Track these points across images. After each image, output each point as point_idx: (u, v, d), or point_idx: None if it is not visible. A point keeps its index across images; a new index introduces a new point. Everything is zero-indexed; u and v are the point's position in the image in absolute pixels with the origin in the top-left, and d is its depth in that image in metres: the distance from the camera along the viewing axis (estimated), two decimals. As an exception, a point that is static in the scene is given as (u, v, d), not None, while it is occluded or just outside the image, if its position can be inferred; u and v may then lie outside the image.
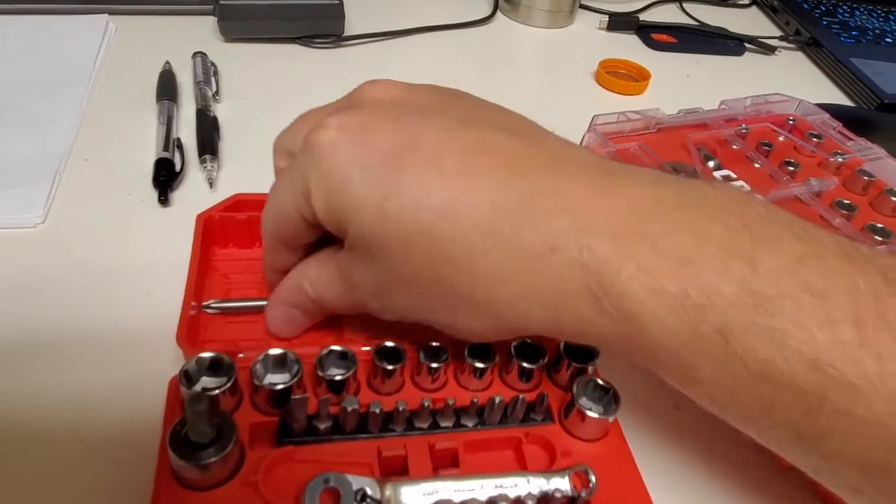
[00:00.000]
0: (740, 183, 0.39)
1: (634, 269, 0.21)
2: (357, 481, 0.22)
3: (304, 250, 0.28)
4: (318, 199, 0.24)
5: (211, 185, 0.39)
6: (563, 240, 0.21)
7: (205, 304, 0.31)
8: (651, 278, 0.21)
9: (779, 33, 0.73)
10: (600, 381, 0.27)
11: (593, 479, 0.24)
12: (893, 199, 0.40)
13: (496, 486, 0.23)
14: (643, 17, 0.70)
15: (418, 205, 0.22)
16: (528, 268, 0.22)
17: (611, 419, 0.26)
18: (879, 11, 0.79)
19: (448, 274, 0.22)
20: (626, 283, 0.21)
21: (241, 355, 0.27)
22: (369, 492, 0.22)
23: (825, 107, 0.49)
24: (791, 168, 0.42)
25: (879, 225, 0.38)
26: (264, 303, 0.30)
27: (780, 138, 0.45)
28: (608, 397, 0.27)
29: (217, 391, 0.24)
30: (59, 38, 0.50)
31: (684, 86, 0.61)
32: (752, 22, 0.76)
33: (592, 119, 0.41)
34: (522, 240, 0.22)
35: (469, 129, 0.23)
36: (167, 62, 0.48)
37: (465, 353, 0.27)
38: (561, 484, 0.24)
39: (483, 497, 0.23)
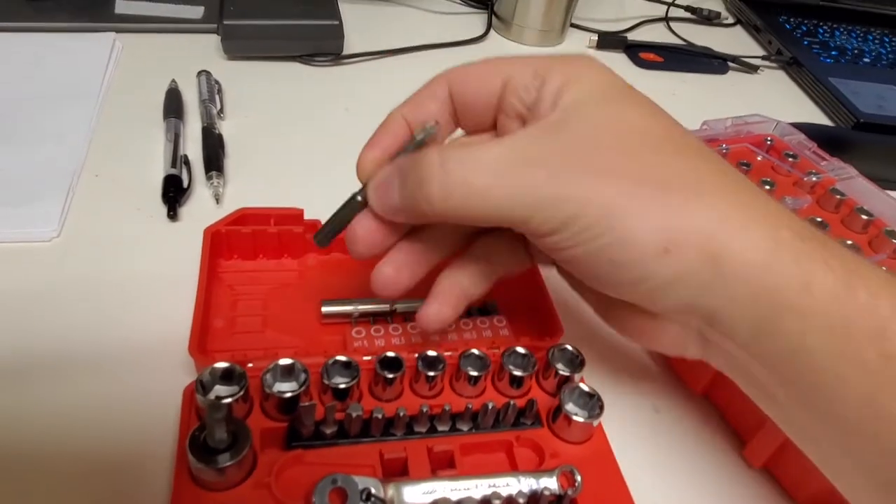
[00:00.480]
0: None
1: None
2: (362, 482, 0.24)
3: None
4: (560, 76, 0.25)
5: (217, 200, 0.41)
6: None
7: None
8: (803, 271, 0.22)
9: (761, 53, 0.75)
10: (586, 388, 0.29)
11: (579, 478, 0.26)
12: (863, 216, 0.42)
13: (490, 486, 0.25)
14: (631, 36, 0.73)
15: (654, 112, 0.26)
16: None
17: (595, 423, 0.28)
18: (858, 32, 0.82)
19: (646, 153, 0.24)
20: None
21: (250, 365, 0.29)
22: (374, 491, 0.24)
23: (804, 126, 0.52)
24: (768, 187, 0.44)
25: (849, 242, 0.40)
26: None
27: (759, 158, 0.47)
28: (593, 403, 0.29)
29: (231, 399, 0.26)
30: (68, 55, 0.52)
31: (670, 104, 0.63)
32: (735, 41, 0.79)
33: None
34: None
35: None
36: (173, 80, 0.50)
37: (460, 361, 0.29)
38: (549, 483, 0.26)
39: (478, 496, 0.25)
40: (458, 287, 0.29)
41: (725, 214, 0.23)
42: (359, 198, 0.28)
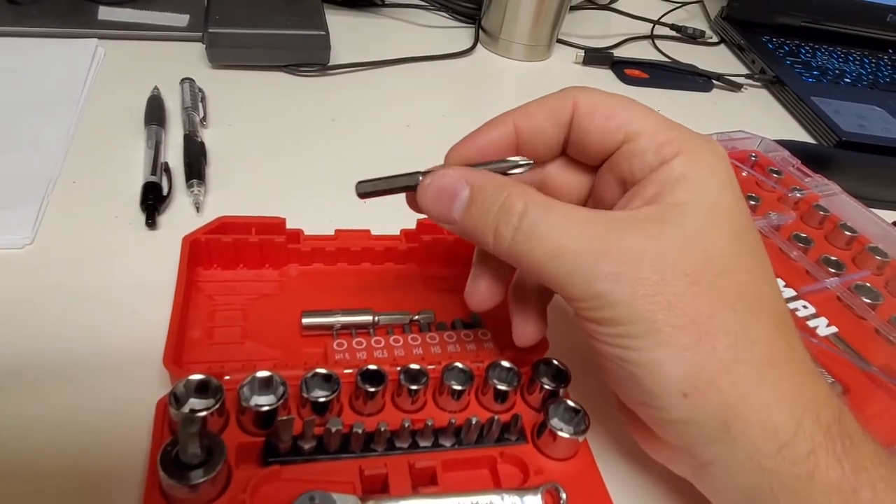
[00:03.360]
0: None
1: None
2: (341, 499, 0.23)
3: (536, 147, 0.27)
4: (688, 164, 0.24)
5: (198, 209, 0.40)
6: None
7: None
8: None
9: (745, 71, 0.76)
10: (571, 403, 0.29)
11: (564, 496, 0.25)
12: (846, 233, 0.43)
13: (472, 504, 0.25)
14: (617, 52, 0.73)
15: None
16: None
17: (581, 439, 0.28)
18: (839, 53, 0.84)
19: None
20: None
21: (227, 377, 0.28)
22: None
23: (786, 143, 0.52)
24: (753, 202, 0.44)
25: (833, 258, 0.40)
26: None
27: (744, 174, 0.48)
28: (578, 418, 0.29)
29: (205, 412, 0.25)
30: (48, 61, 0.51)
31: (655, 120, 0.64)
32: (719, 60, 0.80)
33: (567, 152, 0.43)
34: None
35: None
36: (155, 87, 0.49)
37: (443, 375, 0.29)
38: (533, 501, 0.25)
39: (460, 515, 0.24)
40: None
41: (756, 386, 0.22)
42: (420, 178, 0.26)
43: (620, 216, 0.24)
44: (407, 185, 0.27)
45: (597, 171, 0.28)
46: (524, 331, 0.29)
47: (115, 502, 0.26)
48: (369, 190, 0.28)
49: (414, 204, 0.28)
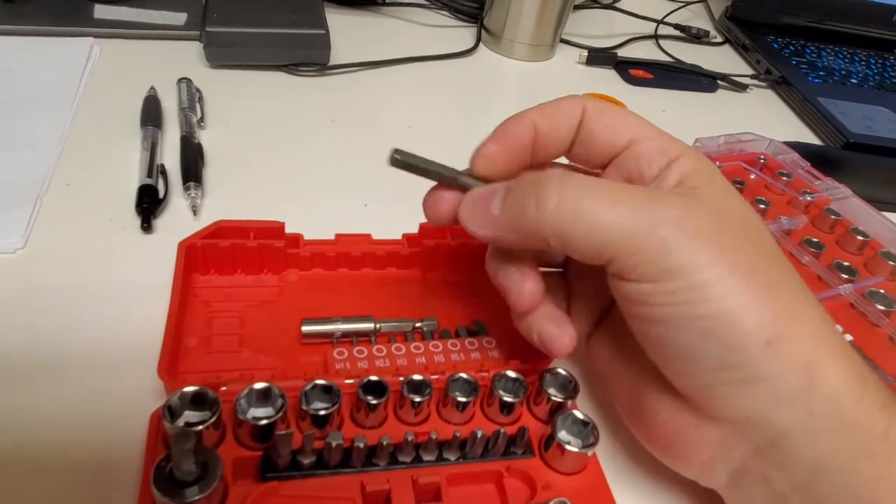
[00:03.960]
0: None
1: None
2: None
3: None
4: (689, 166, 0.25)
5: (195, 212, 0.39)
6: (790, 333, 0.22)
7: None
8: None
9: (750, 71, 0.75)
10: (580, 415, 0.28)
11: (573, 513, 0.25)
12: (858, 237, 0.42)
13: (478, 522, 0.24)
14: (621, 52, 0.72)
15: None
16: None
17: (590, 453, 0.27)
18: (845, 53, 0.83)
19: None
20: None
21: (223, 388, 0.27)
22: None
23: (794, 145, 0.51)
24: (762, 206, 0.43)
25: (846, 263, 0.39)
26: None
27: (752, 176, 0.47)
28: (587, 431, 0.28)
29: (201, 426, 0.24)
30: (42, 60, 0.50)
31: (659, 120, 0.62)
32: (724, 60, 0.79)
33: (572, 154, 0.42)
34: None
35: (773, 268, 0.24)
36: (152, 87, 0.48)
37: (447, 385, 0.28)
38: (542, 519, 0.24)
39: (465, 533, 0.23)
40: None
41: (822, 335, 0.22)
42: (458, 178, 0.27)
43: (654, 191, 0.25)
44: (441, 176, 0.27)
45: (602, 172, 0.28)
46: (525, 287, 0.27)
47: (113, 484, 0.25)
48: (404, 162, 0.27)
49: (433, 207, 0.28)
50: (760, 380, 0.22)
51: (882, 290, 0.37)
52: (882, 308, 0.36)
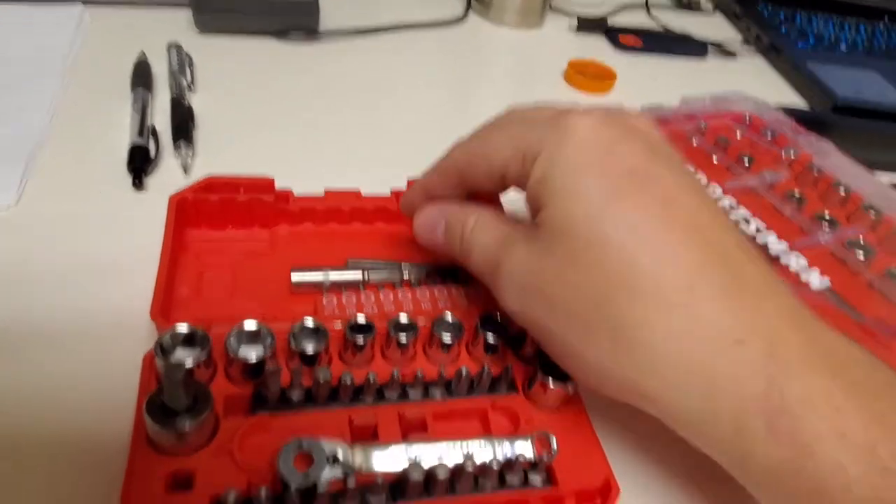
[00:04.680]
0: (699, 175, 0.41)
1: (823, 400, 0.20)
2: (329, 446, 0.23)
3: (465, 194, 0.30)
4: (540, 169, 0.24)
5: (185, 170, 0.40)
6: (754, 335, 0.21)
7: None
8: (840, 417, 0.20)
9: (740, 38, 0.75)
10: (563, 356, 0.29)
11: (555, 444, 0.25)
12: (841, 192, 0.42)
13: (463, 451, 0.24)
14: (611, 20, 0.72)
15: (635, 230, 0.22)
16: (705, 344, 0.21)
17: (571, 390, 0.28)
18: (834, 20, 0.83)
19: (621, 301, 0.22)
20: (810, 410, 0.20)
21: (214, 330, 0.27)
22: (341, 455, 0.23)
23: (784, 110, 0.52)
24: (746, 162, 0.44)
25: (827, 215, 0.40)
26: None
27: (737, 135, 0.47)
28: (570, 370, 0.28)
29: (192, 363, 0.25)
30: (33, 26, 0.50)
31: (649, 86, 0.63)
32: (715, 27, 0.79)
33: (559, 113, 0.42)
34: (713, 314, 0.21)
35: (702, 198, 0.24)
36: (142, 52, 0.48)
37: (433, 327, 0.28)
38: (524, 448, 0.25)
39: (450, 461, 0.24)
40: None
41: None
42: None
43: (527, 252, 0.25)
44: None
45: None
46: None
47: (103, 458, 0.25)
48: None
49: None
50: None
51: (861, 240, 0.38)
52: (862, 256, 0.37)
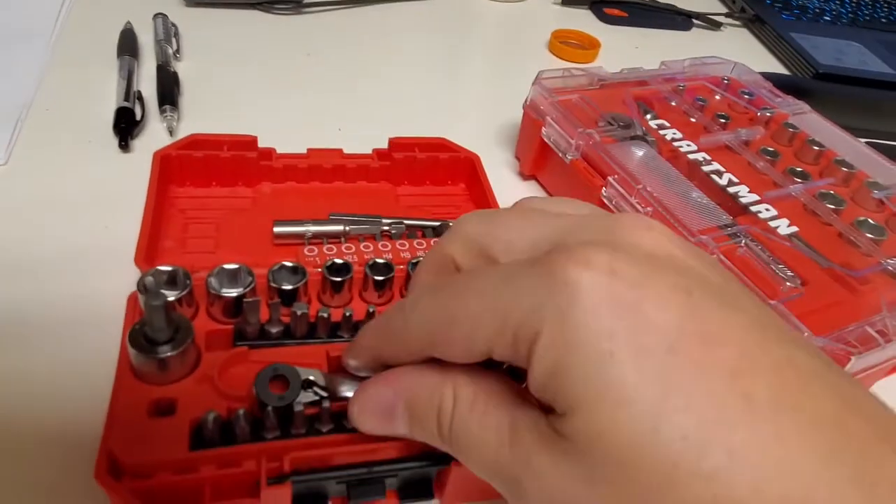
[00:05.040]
0: (673, 131, 0.42)
1: None
2: (304, 372, 0.24)
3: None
4: (548, 359, 0.17)
5: (171, 133, 0.40)
6: None
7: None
8: None
9: (725, 10, 0.76)
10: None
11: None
12: (815, 148, 0.43)
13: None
14: (596, -8, 0.73)
15: (706, 433, 0.15)
16: None
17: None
18: (819, -8, 0.83)
19: None
20: None
21: (196, 274, 0.28)
22: (315, 380, 0.24)
23: (764, 76, 0.52)
24: (723, 121, 0.44)
25: (799, 169, 0.41)
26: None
27: (716, 96, 0.48)
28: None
29: (173, 298, 0.26)
30: (19, -2, 0.51)
31: (632, 56, 0.64)
32: (700, 0, 0.80)
33: (538, 74, 0.43)
34: None
35: (774, 341, 0.17)
36: (128, 22, 0.49)
37: (409, 267, 0.29)
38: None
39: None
40: None
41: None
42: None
43: (539, 431, 0.18)
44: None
45: None
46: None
47: (88, 396, 0.26)
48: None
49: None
50: None
51: (832, 192, 0.39)
52: (832, 207, 0.38)
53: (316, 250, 0.33)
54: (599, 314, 0.16)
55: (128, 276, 0.30)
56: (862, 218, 0.37)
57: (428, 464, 0.24)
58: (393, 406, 0.21)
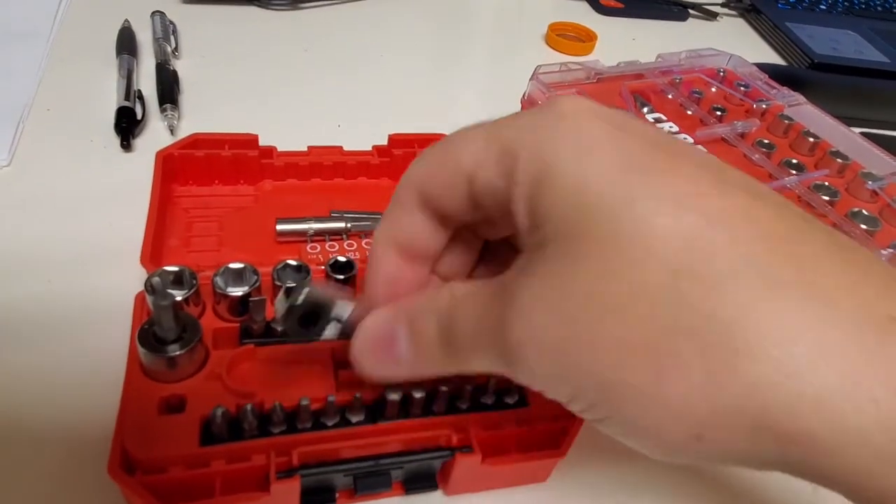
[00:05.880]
0: (670, 124, 0.42)
1: None
2: (340, 305, 0.23)
3: (436, 240, 0.22)
4: (532, 166, 0.17)
5: (172, 131, 0.41)
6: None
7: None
8: None
9: (721, 0, 0.76)
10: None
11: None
12: (810, 139, 0.44)
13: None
14: (592, -16, 0.73)
15: (681, 203, 0.16)
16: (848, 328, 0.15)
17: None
18: (815, -20, 0.83)
19: (694, 294, 0.15)
20: None
21: (202, 273, 0.29)
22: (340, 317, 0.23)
23: (760, 66, 0.53)
24: (719, 113, 0.45)
25: (795, 161, 0.41)
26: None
27: (712, 88, 0.48)
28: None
29: (180, 297, 0.26)
30: (17, -3, 0.51)
31: (629, 47, 0.64)
32: (696, -10, 0.80)
33: (535, 69, 0.44)
34: (841, 286, 0.15)
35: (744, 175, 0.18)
36: (126, 20, 0.49)
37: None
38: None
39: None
40: None
41: (795, 364, 0.15)
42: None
43: (520, 281, 0.18)
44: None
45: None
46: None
47: (98, 393, 0.27)
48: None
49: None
50: (722, 461, 0.17)
51: (827, 183, 0.39)
52: (826, 198, 0.38)
53: (318, 247, 0.33)
54: (586, 127, 0.17)
55: (133, 274, 0.31)
56: (856, 209, 0.38)
57: (432, 456, 0.24)
58: (393, 329, 0.21)
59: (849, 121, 0.53)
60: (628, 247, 0.16)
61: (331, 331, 0.23)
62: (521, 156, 0.18)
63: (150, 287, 0.27)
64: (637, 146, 0.17)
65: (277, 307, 0.23)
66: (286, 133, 0.39)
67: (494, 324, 0.18)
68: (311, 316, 0.23)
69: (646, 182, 0.16)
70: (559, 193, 0.17)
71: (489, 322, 0.18)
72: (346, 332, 0.22)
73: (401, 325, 0.21)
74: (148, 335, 0.24)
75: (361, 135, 0.40)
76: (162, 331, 0.24)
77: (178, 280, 0.28)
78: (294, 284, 0.24)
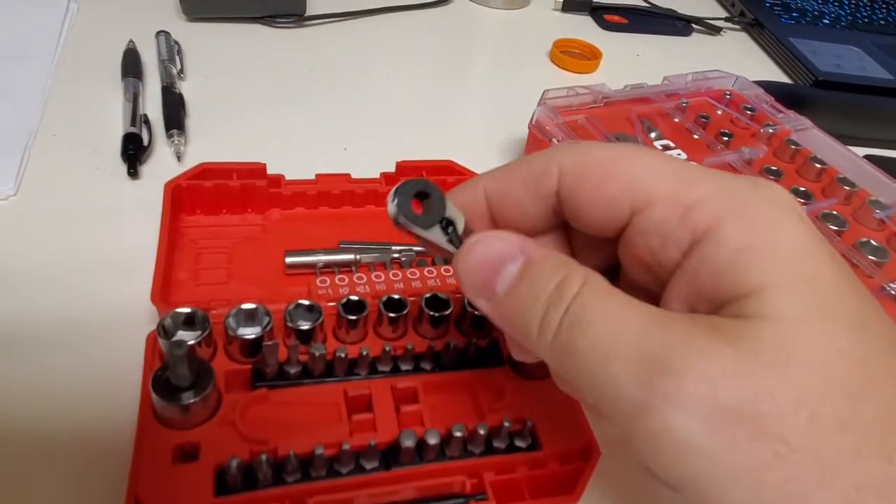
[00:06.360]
0: (678, 151, 0.42)
1: None
2: (451, 209, 0.21)
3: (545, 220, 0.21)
4: (747, 233, 0.16)
5: (179, 158, 0.41)
6: None
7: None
8: None
9: (724, 14, 0.76)
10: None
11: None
12: (817, 165, 0.44)
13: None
14: (596, -2, 0.73)
15: None
16: None
17: (555, 360, 0.29)
18: (818, -6, 0.84)
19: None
20: None
21: (213, 312, 0.29)
22: (454, 222, 0.21)
23: (764, 84, 0.53)
24: (726, 138, 0.45)
25: (802, 188, 0.41)
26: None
27: (718, 112, 0.48)
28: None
29: (193, 341, 0.26)
30: (20, 15, 0.51)
31: (633, 64, 0.64)
32: (698, 4, 0.80)
33: (543, 93, 0.43)
34: None
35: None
36: (131, 41, 0.49)
37: (423, 303, 0.30)
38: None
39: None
40: None
41: None
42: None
43: (695, 319, 0.16)
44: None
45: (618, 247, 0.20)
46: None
47: (110, 437, 0.27)
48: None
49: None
50: None
51: (835, 212, 0.39)
52: (834, 228, 0.38)
53: (328, 281, 0.33)
54: (806, 229, 0.16)
55: (144, 314, 0.30)
56: (864, 239, 0.38)
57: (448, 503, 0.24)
58: (507, 258, 0.19)
59: (854, 140, 0.53)
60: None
61: (437, 232, 0.21)
62: (724, 227, 0.16)
63: (162, 330, 0.26)
64: (851, 304, 0.16)
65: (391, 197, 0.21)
66: (291, 156, 0.39)
67: (647, 364, 0.16)
68: (422, 201, 0.21)
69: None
70: (782, 292, 0.16)
71: (646, 354, 0.16)
72: (454, 242, 0.21)
73: (518, 260, 0.19)
74: (161, 381, 0.24)
75: (367, 157, 0.40)
76: (176, 378, 0.24)
77: (189, 321, 0.27)
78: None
